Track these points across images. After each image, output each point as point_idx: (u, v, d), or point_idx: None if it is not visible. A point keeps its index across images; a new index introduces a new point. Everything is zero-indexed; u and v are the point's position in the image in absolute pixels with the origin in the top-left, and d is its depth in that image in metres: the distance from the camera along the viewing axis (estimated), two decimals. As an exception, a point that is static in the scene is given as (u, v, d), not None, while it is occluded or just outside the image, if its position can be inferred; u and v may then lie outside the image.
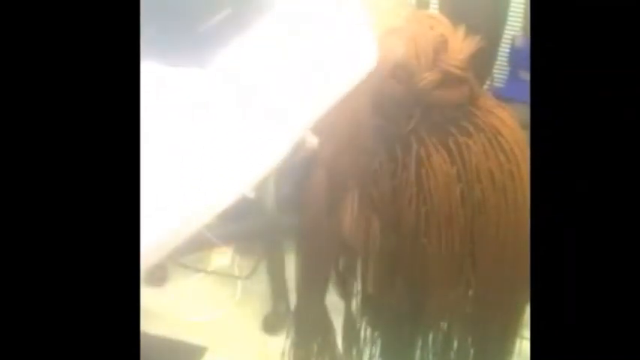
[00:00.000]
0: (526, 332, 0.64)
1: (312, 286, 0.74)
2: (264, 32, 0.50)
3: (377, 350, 0.76)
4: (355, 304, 0.74)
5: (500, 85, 2.11)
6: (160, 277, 1.79)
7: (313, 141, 0.63)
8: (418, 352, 0.73)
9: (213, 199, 0.45)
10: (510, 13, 1.90)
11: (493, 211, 0.65)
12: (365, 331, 0.76)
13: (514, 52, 2.10)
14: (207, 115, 0.45)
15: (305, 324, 0.78)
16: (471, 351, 0.74)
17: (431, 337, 0.73)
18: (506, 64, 2.14)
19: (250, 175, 0.48)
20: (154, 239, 0.41)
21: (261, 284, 1.75)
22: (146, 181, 0.41)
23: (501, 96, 1.74)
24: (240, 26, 0.51)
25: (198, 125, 0.44)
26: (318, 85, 0.51)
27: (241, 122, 0.46)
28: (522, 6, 2.09)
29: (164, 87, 0.46)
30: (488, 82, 1.97)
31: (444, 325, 0.73)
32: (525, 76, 2.02)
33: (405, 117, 0.64)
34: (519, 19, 2.12)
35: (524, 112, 0.53)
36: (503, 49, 2.05)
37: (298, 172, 0.68)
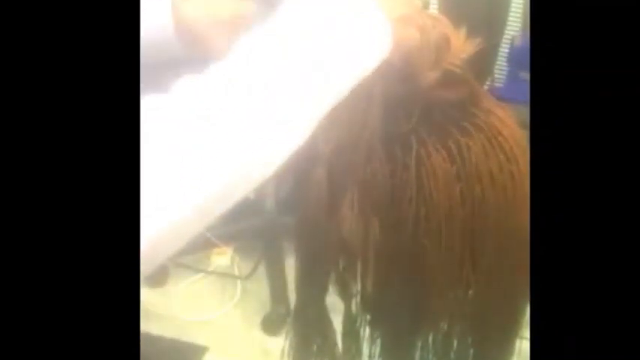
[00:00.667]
0: (526, 332, 0.64)
1: (311, 286, 0.74)
2: (269, 26, 0.49)
3: (377, 350, 0.75)
4: (355, 304, 0.74)
5: (500, 85, 2.11)
6: (160, 277, 1.79)
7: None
8: (418, 352, 0.73)
9: (214, 201, 0.45)
10: (510, 13, 1.90)
11: (493, 210, 0.65)
12: (365, 331, 0.76)
13: (514, 52, 2.10)
14: (208, 115, 0.45)
15: (305, 324, 0.78)
16: (471, 351, 0.74)
17: (431, 337, 0.73)
18: (506, 64, 2.14)
19: (253, 176, 0.47)
20: (154, 240, 0.41)
21: (260, 284, 1.75)
22: (146, 182, 0.41)
23: (501, 96, 1.74)
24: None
25: (199, 126, 0.44)
26: (329, 78, 0.50)
27: (243, 122, 0.45)
28: (522, 6, 2.09)
29: (165, 88, 0.45)
30: (488, 82, 1.97)
31: (444, 325, 0.73)
32: (525, 76, 2.02)
33: (406, 116, 0.64)
34: (519, 19, 2.12)
35: (524, 112, 0.53)
36: (503, 49, 2.05)
37: (298, 172, 0.68)
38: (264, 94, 0.46)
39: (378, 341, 0.75)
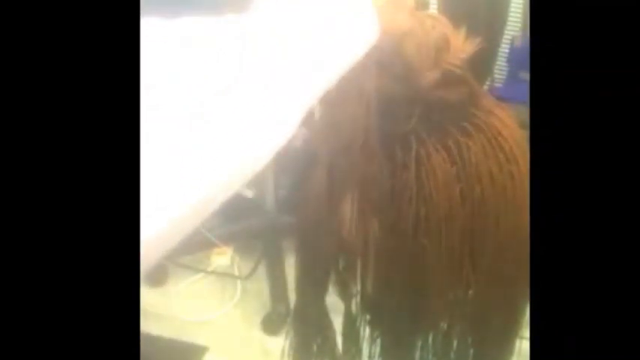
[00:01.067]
0: (526, 332, 0.64)
1: (311, 286, 0.74)
2: (248, 19, 0.49)
3: (377, 350, 0.76)
4: (355, 304, 0.74)
5: (500, 85, 2.11)
6: (160, 277, 1.79)
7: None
8: (418, 352, 0.73)
9: (206, 199, 0.44)
10: (510, 13, 1.90)
11: (493, 211, 0.65)
12: (365, 331, 0.76)
13: (514, 52, 2.11)
14: (195, 112, 0.44)
15: (305, 324, 0.78)
16: (471, 351, 0.74)
17: (431, 337, 0.73)
18: (506, 64, 2.14)
19: (244, 171, 0.47)
20: (154, 239, 0.41)
21: (260, 284, 1.75)
22: (146, 181, 0.41)
23: (501, 96, 1.75)
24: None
25: (186, 123, 0.44)
26: (317, 64, 0.49)
27: (230, 116, 0.44)
28: (522, 6, 2.09)
29: (162, 85, 0.45)
30: (488, 82, 1.97)
31: (443, 325, 0.73)
32: (525, 76, 2.03)
33: (405, 116, 0.64)
34: (519, 19, 2.13)
35: (524, 112, 0.53)
36: (503, 49, 2.05)
37: (298, 172, 0.68)
38: (249, 87, 0.46)
39: (378, 341, 0.75)
